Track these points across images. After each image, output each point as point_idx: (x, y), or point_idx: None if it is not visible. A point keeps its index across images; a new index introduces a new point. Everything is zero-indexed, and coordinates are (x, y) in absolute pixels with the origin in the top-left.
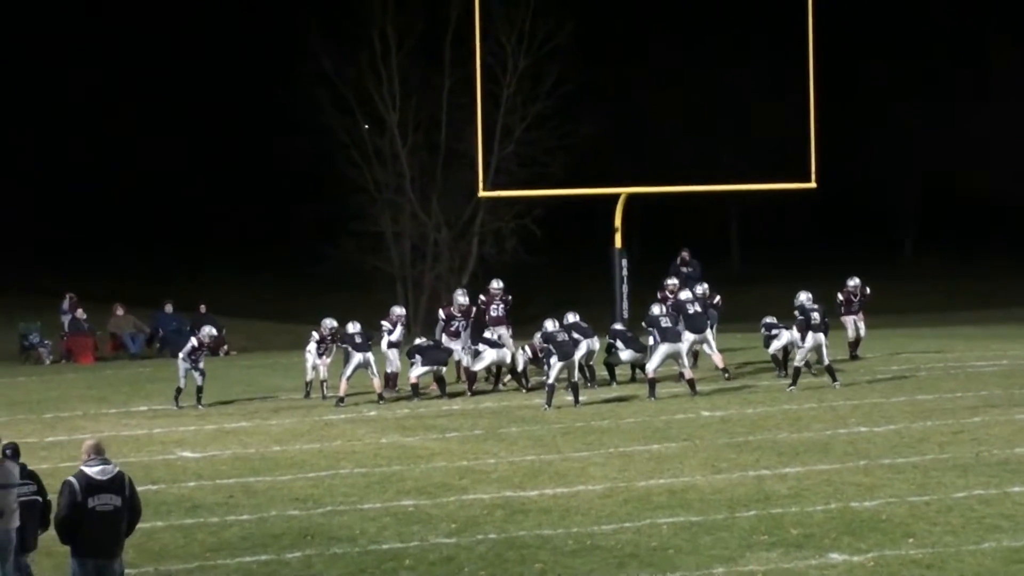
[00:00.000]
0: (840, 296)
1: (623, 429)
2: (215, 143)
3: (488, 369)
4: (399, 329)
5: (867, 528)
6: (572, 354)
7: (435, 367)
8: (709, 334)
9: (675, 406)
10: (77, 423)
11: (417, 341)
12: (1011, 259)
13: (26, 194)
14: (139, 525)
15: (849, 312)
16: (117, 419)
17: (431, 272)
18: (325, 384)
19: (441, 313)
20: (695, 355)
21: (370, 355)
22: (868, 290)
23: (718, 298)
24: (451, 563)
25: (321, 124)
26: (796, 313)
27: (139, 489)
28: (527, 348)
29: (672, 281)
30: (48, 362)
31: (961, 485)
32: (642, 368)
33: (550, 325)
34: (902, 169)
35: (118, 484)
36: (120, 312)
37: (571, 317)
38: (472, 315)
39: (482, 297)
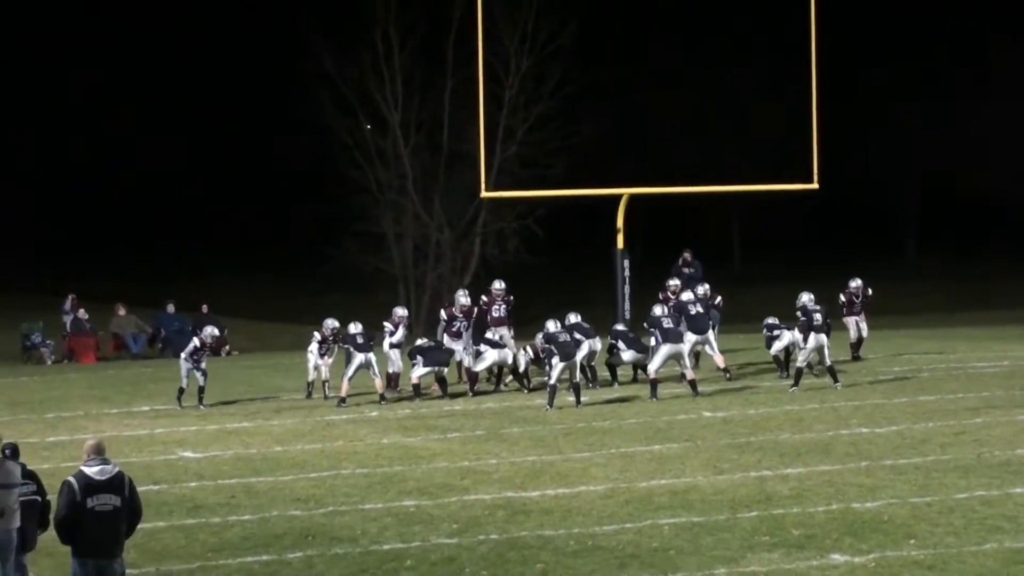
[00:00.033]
0: (842, 297)
1: (625, 430)
2: (217, 143)
3: (490, 370)
4: (401, 330)
5: (869, 529)
6: (574, 355)
7: (437, 368)
8: (711, 335)
9: (677, 407)
10: (79, 423)
11: (419, 342)
12: (1012, 259)
13: (27, 194)
14: (141, 525)
15: (851, 313)
16: (119, 419)
17: (433, 272)
18: (327, 384)
19: (443, 314)
20: (696, 356)
21: (372, 355)
22: (870, 291)
23: (719, 299)
24: (452, 563)
25: (323, 124)
26: (798, 314)
27: (141, 489)
28: (529, 349)
29: (674, 282)
30: (50, 362)
31: (963, 486)
32: (644, 369)
33: (552, 326)
34: (903, 170)
35: (117, 484)
36: (122, 312)
37: (573, 318)
38: (474, 316)
39: (484, 298)
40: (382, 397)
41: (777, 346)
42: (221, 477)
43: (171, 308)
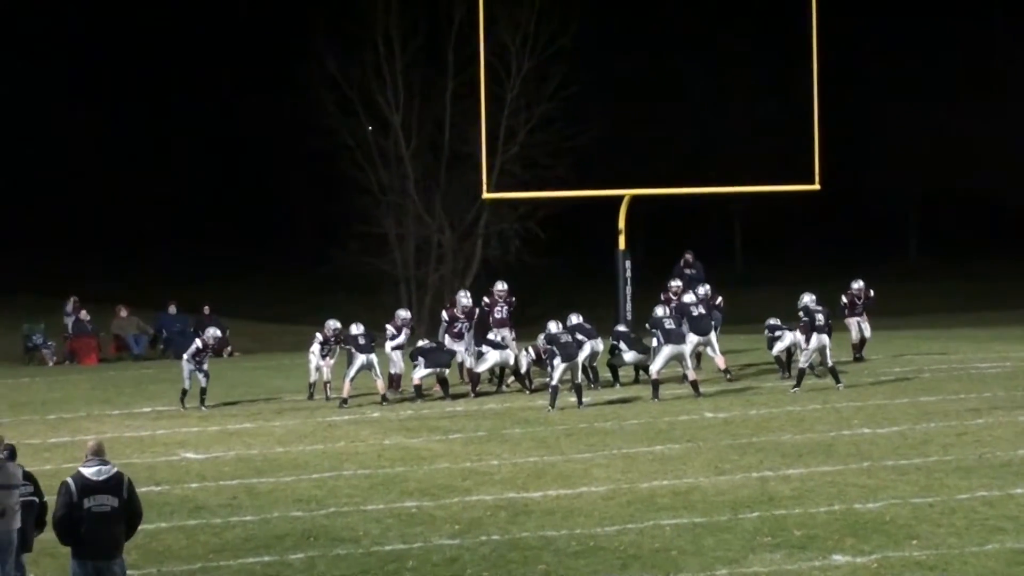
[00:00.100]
0: (844, 298)
1: (626, 430)
2: (218, 144)
3: (492, 370)
4: (404, 334)
5: (870, 530)
6: (576, 355)
7: (438, 369)
8: (712, 336)
9: (678, 407)
10: (80, 424)
11: (420, 343)
12: (1014, 260)
13: (29, 195)
14: (142, 526)
15: (853, 314)
16: (120, 420)
17: (435, 274)
18: (328, 385)
19: (444, 315)
20: (698, 357)
21: (373, 356)
22: (872, 292)
23: (720, 299)
24: (454, 564)
25: (326, 126)
26: (800, 315)
27: (142, 490)
28: (531, 349)
29: (675, 283)
30: (52, 363)
31: (964, 487)
32: (645, 369)
33: (554, 327)
34: (905, 170)
35: (115, 485)
36: (124, 313)
37: (575, 318)
38: (475, 317)
39: (486, 299)
40: (384, 398)
41: (779, 347)
42: (223, 478)
43: (173, 309)
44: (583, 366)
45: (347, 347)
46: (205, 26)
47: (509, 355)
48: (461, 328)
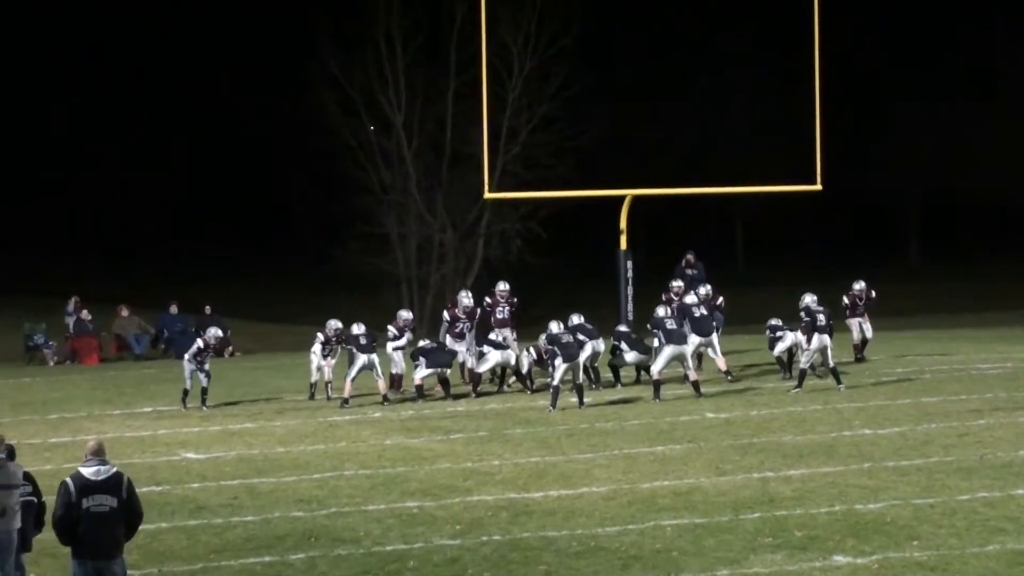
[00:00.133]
0: (845, 299)
1: (628, 431)
2: (220, 144)
3: (493, 371)
4: (406, 336)
5: (871, 530)
6: (577, 356)
7: (439, 369)
8: (714, 338)
9: (679, 408)
10: (81, 424)
11: (421, 343)
12: (1016, 261)
13: (30, 195)
14: (143, 526)
15: (854, 315)
16: (121, 420)
17: (436, 273)
18: (330, 385)
19: (446, 315)
20: (699, 357)
21: (375, 356)
22: (873, 293)
23: (721, 299)
24: (455, 565)
25: (327, 125)
26: (802, 315)
27: (143, 490)
28: (532, 350)
29: (677, 283)
30: (53, 363)
31: (965, 488)
32: (647, 370)
33: (555, 327)
34: (906, 171)
35: (113, 485)
36: (125, 313)
37: (576, 319)
38: (476, 317)
39: (488, 299)
40: (385, 398)
41: (780, 347)
42: (223, 478)
43: (174, 309)
44: (584, 366)
45: (348, 347)
46: (205, 26)
47: (510, 355)
48: (462, 328)
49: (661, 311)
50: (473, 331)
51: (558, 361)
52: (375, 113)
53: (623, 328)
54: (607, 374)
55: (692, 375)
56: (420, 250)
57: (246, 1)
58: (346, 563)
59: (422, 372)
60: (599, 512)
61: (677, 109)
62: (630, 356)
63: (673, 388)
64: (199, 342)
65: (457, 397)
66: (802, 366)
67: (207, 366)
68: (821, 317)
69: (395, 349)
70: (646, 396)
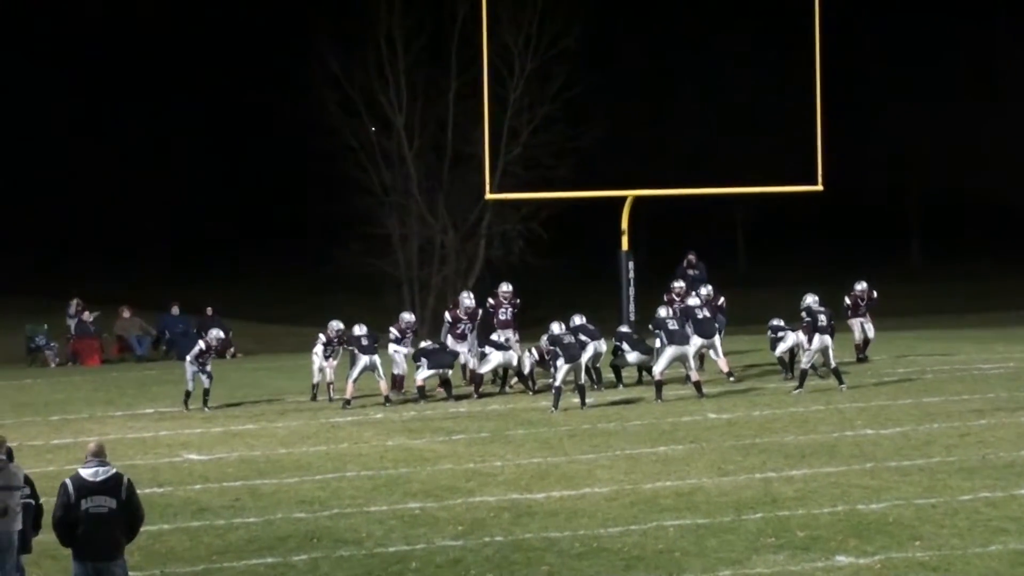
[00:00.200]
0: (847, 300)
1: (630, 431)
2: (221, 144)
3: (495, 371)
4: (408, 338)
5: (874, 530)
6: (579, 356)
7: (441, 370)
8: (716, 339)
9: (681, 408)
10: (83, 425)
11: (423, 344)
12: (1017, 261)
13: (29, 195)
14: (145, 528)
15: (856, 315)
16: (123, 421)
17: (438, 274)
18: (331, 386)
19: (447, 316)
20: (701, 358)
21: (376, 357)
22: (875, 294)
23: (722, 300)
24: (457, 565)
25: (328, 126)
26: (803, 315)
27: (145, 491)
28: (534, 350)
29: (678, 284)
30: (54, 364)
31: (967, 488)
32: (649, 370)
33: (556, 328)
34: (907, 171)
35: (112, 486)
36: (127, 314)
37: (578, 319)
38: (478, 318)
39: (491, 300)
40: (387, 399)
41: (781, 348)
42: (225, 479)
43: (175, 310)
44: (586, 367)
45: (350, 348)
46: (205, 26)
47: (512, 356)
48: (464, 329)
49: (663, 311)
50: (475, 332)
51: (560, 362)
52: (376, 113)
53: (625, 328)
54: (609, 375)
55: (694, 376)
56: (421, 251)
57: (246, 1)
58: (348, 564)
59: (424, 373)
60: (601, 513)
61: (678, 109)
62: (632, 357)
63: (675, 389)
64: (201, 343)
65: (459, 398)
66: (803, 366)
67: (209, 367)
68: (822, 317)
69: (396, 349)
70: (648, 397)
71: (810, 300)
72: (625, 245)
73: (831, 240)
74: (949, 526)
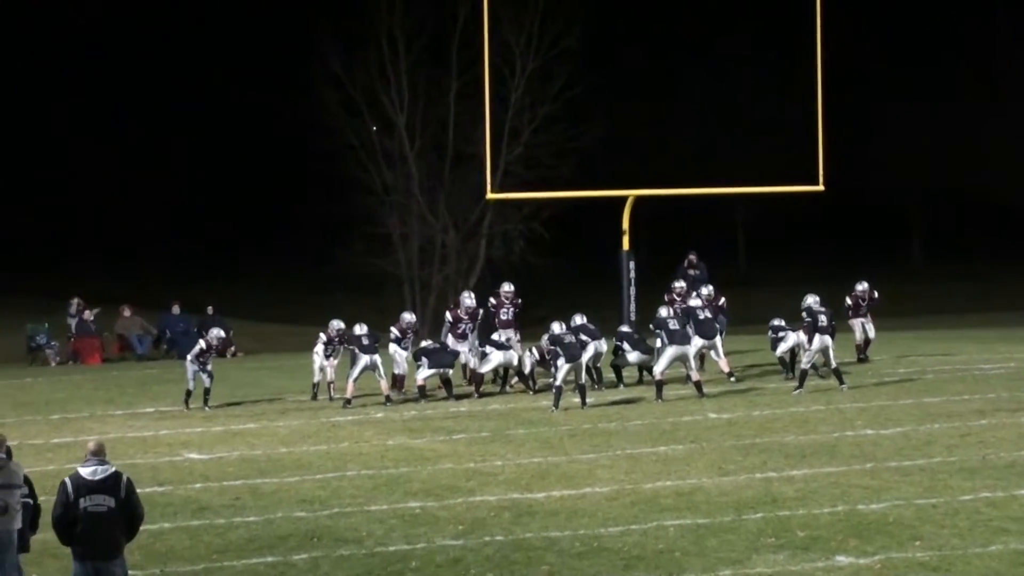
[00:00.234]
0: (848, 300)
1: (630, 431)
2: (222, 144)
3: (495, 371)
4: (409, 338)
5: (874, 530)
6: (579, 356)
7: (442, 369)
8: (717, 340)
9: (682, 408)
10: (84, 424)
11: (424, 343)
12: (1018, 261)
13: (32, 197)
14: (145, 526)
15: (857, 315)
16: (124, 420)
17: (439, 274)
18: (332, 386)
19: (448, 315)
20: (701, 358)
21: (377, 357)
22: (876, 294)
23: (723, 300)
24: (458, 565)
25: (329, 125)
26: (803, 315)
27: (145, 491)
28: (534, 350)
29: (679, 284)
30: (55, 363)
31: (968, 488)
32: (649, 370)
33: (557, 327)
34: (908, 171)
35: (111, 485)
36: (127, 313)
37: (579, 319)
38: (479, 317)
39: (492, 300)
40: (387, 398)
41: (782, 348)
42: (226, 478)
43: (176, 309)
44: (587, 367)
45: (351, 347)
46: (206, 26)
47: (513, 356)
48: (465, 329)
49: (663, 311)
50: (475, 332)
51: (560, 361)
52: (377, 113)
53: (625, 328)
54: (610, 374)
55: (694, 375)
56: (422, 251)
57: (246, 1)
58: (349, 563)
59: (424, 372)
60: (602, 512)
61: (679, 109)
62: (632, 356)
63: (675, 388)
64: (201, 343)
65: (459, 397)
66: (803, 366)
67: (209, 367)
68: (823, 318)
69: (397, 349)
70: (648, 396)
71: (811, 300)
72: (626, 245)
73: (832, 240)
74: (950, 526)
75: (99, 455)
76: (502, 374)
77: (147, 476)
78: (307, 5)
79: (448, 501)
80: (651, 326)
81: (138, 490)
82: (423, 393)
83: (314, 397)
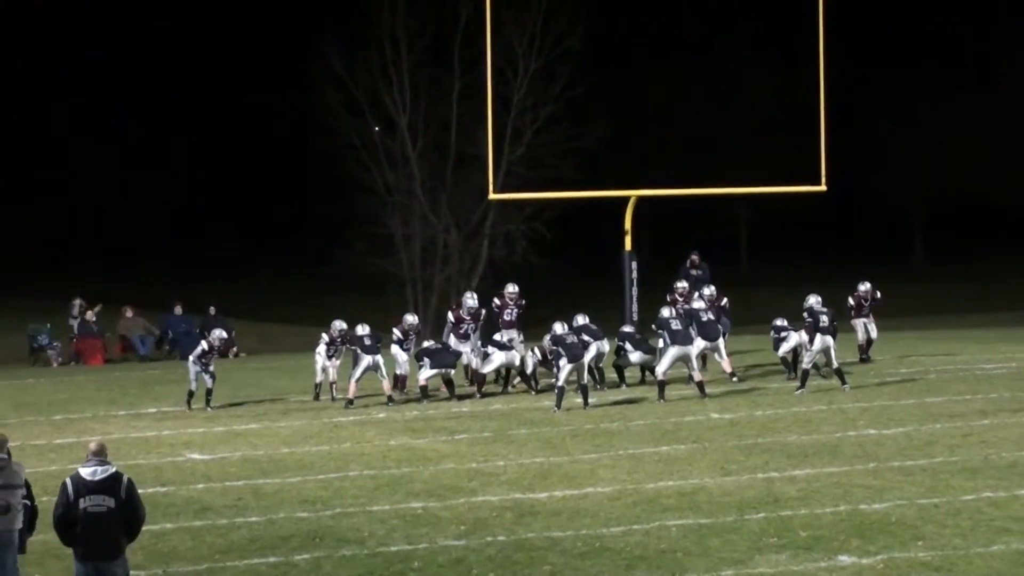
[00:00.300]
0: (851, 300)
1: (632, 431)
2: (223, 144)
3: (497, 371)
4: (412, 339)
5: (876, 530)
6: (581, 356)
7: (444, 369)
8: (720, 342)
9: (684, 408)
10: (86, 425)
11: (426, 343)
12: (1020, 261)
13: (32, 197)
14: (148, 527)
15: (859, 316)
16: (126, 421)
17: (441, 274)
18: (334, 386)
19: (450, 316)
20: (703, 358)
21: (379, 357)
22: (878, 294)
23: (726, 300)
24: (460, 565)
25: (332, 126)
26: (805, 315)
27: (148, 491)
28: (537, 350)
29: (681, 284)
30: (57, 364)
31: (970, 488)
32: (651, 370)
33: (559, 327)
34: (909, 171)
35: (111, 486)
36: (130, 314)
37: (581, 319)
38: (481, 318)
39: (497, 301)
40: (389, 399)
41: (784, 348)
42: (228, 479)
43: (178, 310)
44: (589, 367)
45: (353, 348)
46: (206, 25)
47: (515, 356)
48: (467, 329)
49: (666, 312)
50: (478, 332)
51: (562, 362)
52: (379, 113)
53: (627, 328)
54: (612, 374)
55: (697, 376)
56: (424, 251)
57: (247, 1)
58: (351, 564)
59: (426, 373)
60: (604, 512)
61: (681, 110)
62: (635, 356)
63: (678, 388)
64: (203, 343)
65: (462, 398)
66: (804, 366)
67: (212, 367)
68: (824, 318)
69: (399, 349)
70: (651, 396)
71: (812, 300)
72: (628, 245)
73: (833, 240)
74: (952, 526)
75: (100, 455)
76: (504, 374)
77: (149, 476)
78: (309, 5)
79: (450, 501)
80: (653, 326)
81: (140, 490)
82: (425, 393)
83: (316, 397)
